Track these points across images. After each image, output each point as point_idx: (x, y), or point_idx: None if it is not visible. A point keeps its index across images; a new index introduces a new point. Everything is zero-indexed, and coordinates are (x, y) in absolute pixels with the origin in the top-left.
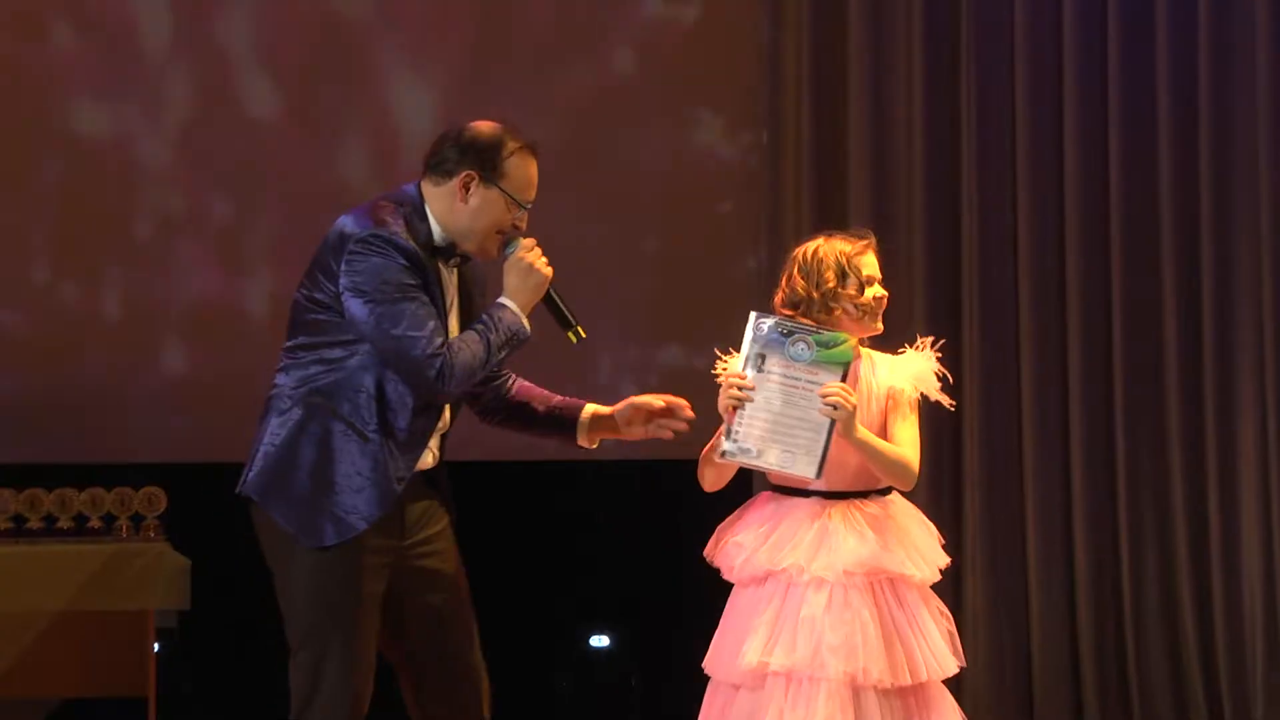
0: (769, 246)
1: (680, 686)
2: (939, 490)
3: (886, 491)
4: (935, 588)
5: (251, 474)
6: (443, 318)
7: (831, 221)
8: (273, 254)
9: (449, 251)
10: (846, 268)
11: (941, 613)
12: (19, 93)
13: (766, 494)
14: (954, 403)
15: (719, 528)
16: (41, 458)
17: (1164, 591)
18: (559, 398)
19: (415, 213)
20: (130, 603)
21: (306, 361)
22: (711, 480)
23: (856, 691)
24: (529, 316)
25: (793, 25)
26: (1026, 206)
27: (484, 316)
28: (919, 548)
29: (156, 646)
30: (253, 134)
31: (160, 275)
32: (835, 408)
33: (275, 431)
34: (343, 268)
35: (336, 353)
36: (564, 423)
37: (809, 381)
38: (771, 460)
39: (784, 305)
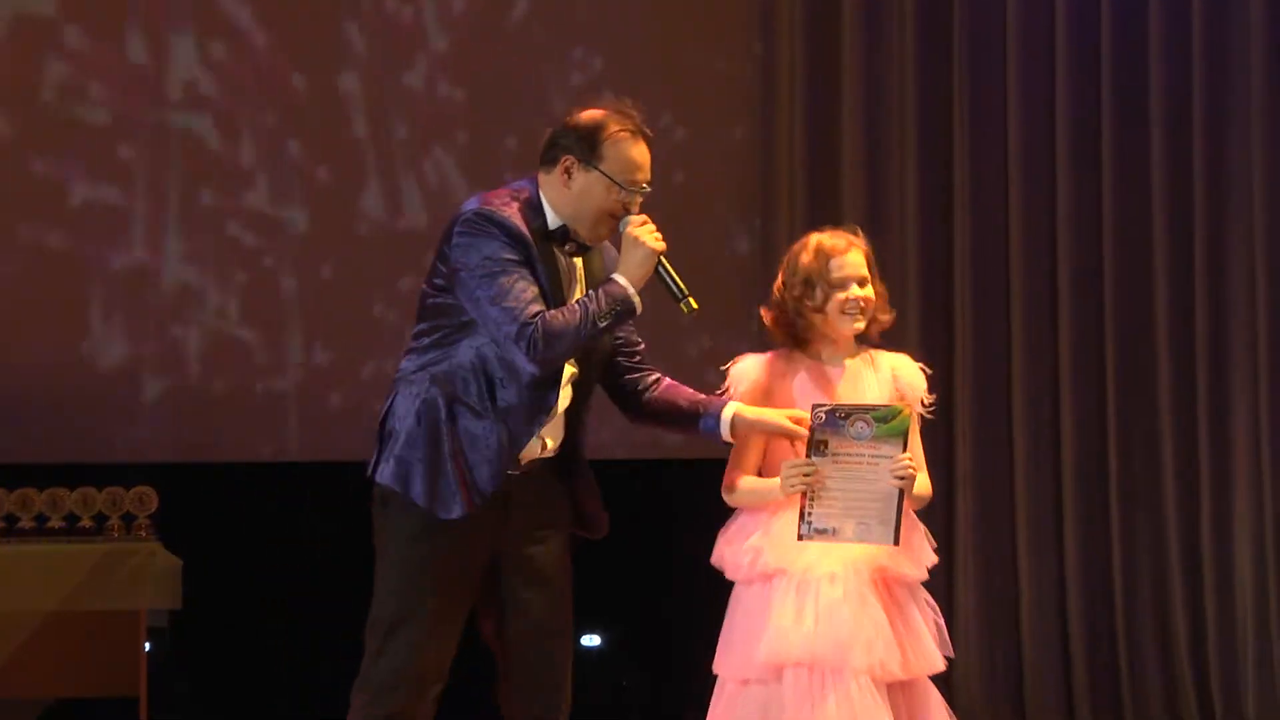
0: (764, 232)
1: (672, 686)
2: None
3: None
4: (927, 587)
5: (382, 463)
6: (554, 300)
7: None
8: (259, 255)
9: (563, 236)
10: (817, 275)
11: (929, 604)
12: None
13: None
14: (932, 414)
15: (721, 531)
16: (33, 457)
17: (1156, 592)
18: (703, 395)
19: (531, 200)
20: (122, 602)
21: (426, 346)
22: (747, 506)
23: (879, 684)
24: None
25: (785, 33)
26: (1019, 209)
27: (590, 290)
28: (912, 546)
29: (148, 646)
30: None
31: (152, 274)
32: (904, 478)
33: (401, 415)
34: (453, 248)
35: (453, 336)
36: (709, 429)
37: (873, 456)
38: (849, 534)
39: (770, 307)
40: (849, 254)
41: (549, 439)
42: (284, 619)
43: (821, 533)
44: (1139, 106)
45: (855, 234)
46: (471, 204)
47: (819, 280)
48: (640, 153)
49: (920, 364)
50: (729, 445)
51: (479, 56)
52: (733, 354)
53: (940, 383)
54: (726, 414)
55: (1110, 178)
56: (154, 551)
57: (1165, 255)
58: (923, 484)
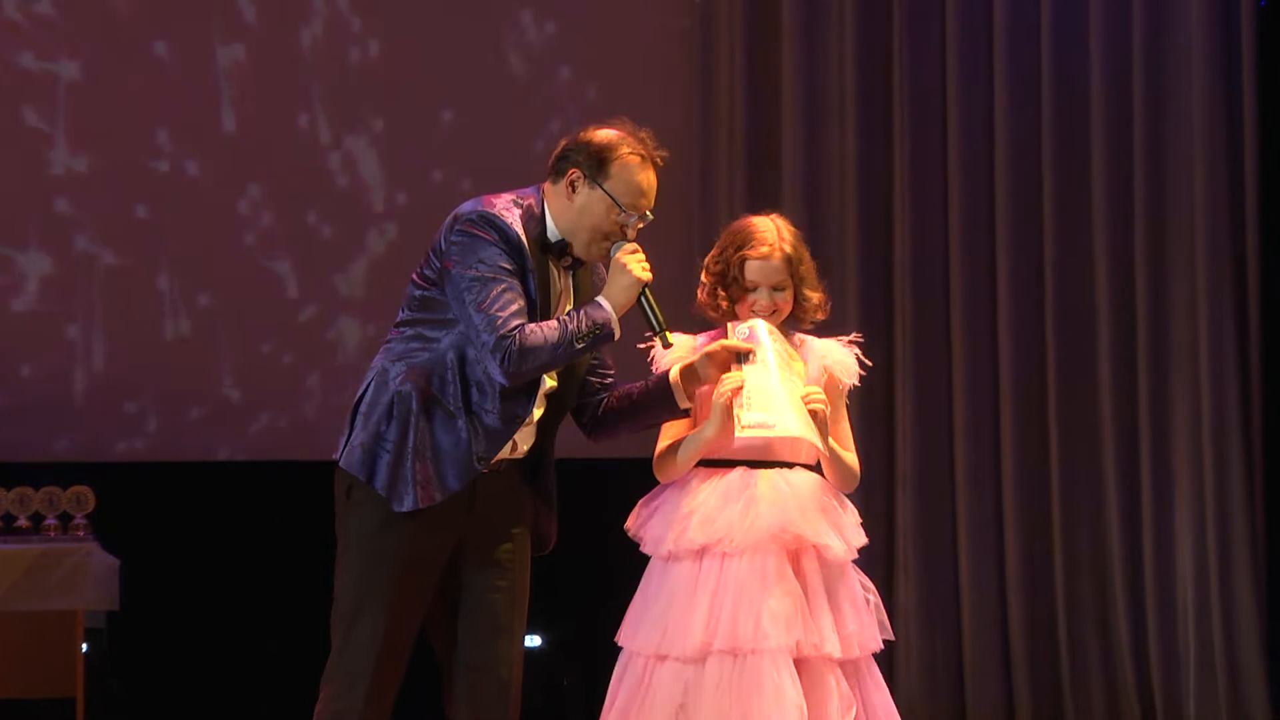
0: (701, 232)
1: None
2: (870, 490)
3: (812, 466)
4: (871, 567)
5: (349, 448)
6: (541, 314)
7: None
8: (200, 260)
9: (560, 249)
10: (732, 273)
11: (865, 586)
12: None
13: (691, 471)
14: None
15: (641, 501)
16: None
17: (1097, 591)
18: (641, 382)
19: (533, 208)
20: (58, 603)
21: (408, 337)
22: (681, 467)
23: (802, 662)
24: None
25: (725, 25)
26: (959, 205)
27: (572, 310)
28: (838, 523)
29: (85, 647)
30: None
31: (83, 272)
32: (815, 410)
33: (372, 403)
34: (449, 245)
35: (435, 331)
36: (662, 393)
37: (794, 375)
38: (788, 426)
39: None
40: (770, 258)
41: (521, 442)
42: (224, 621)
43: (760, 425)
44: (1079, 98)
45: (783, 234)
46: (474, 205)
47: (731, 280)
48: (647, 179)
49: (851, 342)
50: (683, 411)
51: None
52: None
53: (880, 379)
54: (673, 375)
55: (1050, 171)
56: (91, 551)
57: (1106, 252)
58: (851, 461)
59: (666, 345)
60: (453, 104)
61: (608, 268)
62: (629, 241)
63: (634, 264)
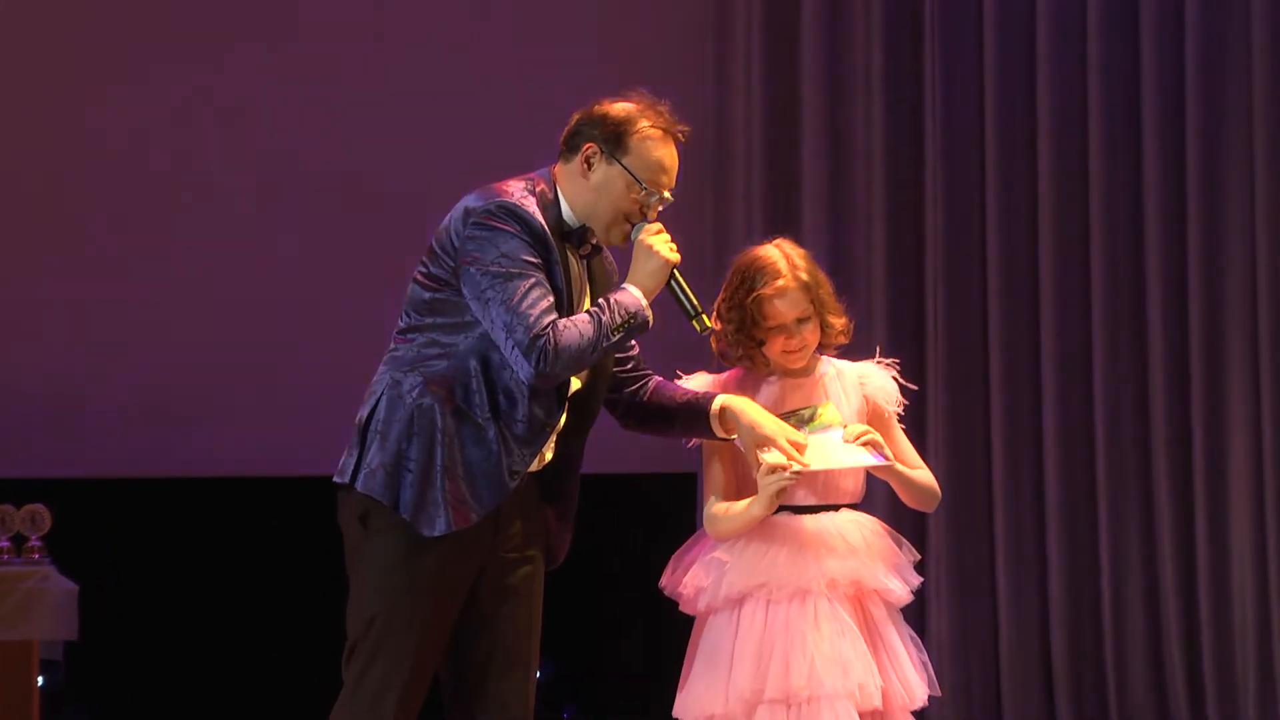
0: (715, 247)
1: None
2: (899, 513)
3: (854, 507)
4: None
5: (366, 471)
6: (568, 308)
7: (784, 221)
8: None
9: (580, 236)
10: (752, 318)
11: (912, 639)
12: None
13: None
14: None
15: (674, 556)
16: None
17: (1149, 619)
18: (690, 390)
19: (546, 193)
20: (11, 632)
21: (419, 344)
22: (733, 533)
23: (871, 714)
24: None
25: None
26: (996, 206)
27: (601, 299)
28: (895, 564)
29: (40, 680)
30: None
31: (40, 278)
32: (869, 441)
33: (388, 420)
34: (465, 240)
35: (451, 336)
36: (696, 417)
37: (818, 438)
38: (842, 458)
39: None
40: (786, 295)
41: (547, 452)
42: (190, 650)
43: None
44: (1129, 92)
45: (794, 261)
46: (487, 196)
47: (751, 325)
48: (669, 155)
49: (888, 364)
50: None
51: None
52: (689, 370)
53: (909, 396)
54: (715, 407)
55: (1097, 170)
56: (47, 576)
57: (1158, 252)
58: (924, 479)
59: (704, 330)
60: (462, 99)
61: (631, 250)
62: (651, 222)
63: (661, 245)
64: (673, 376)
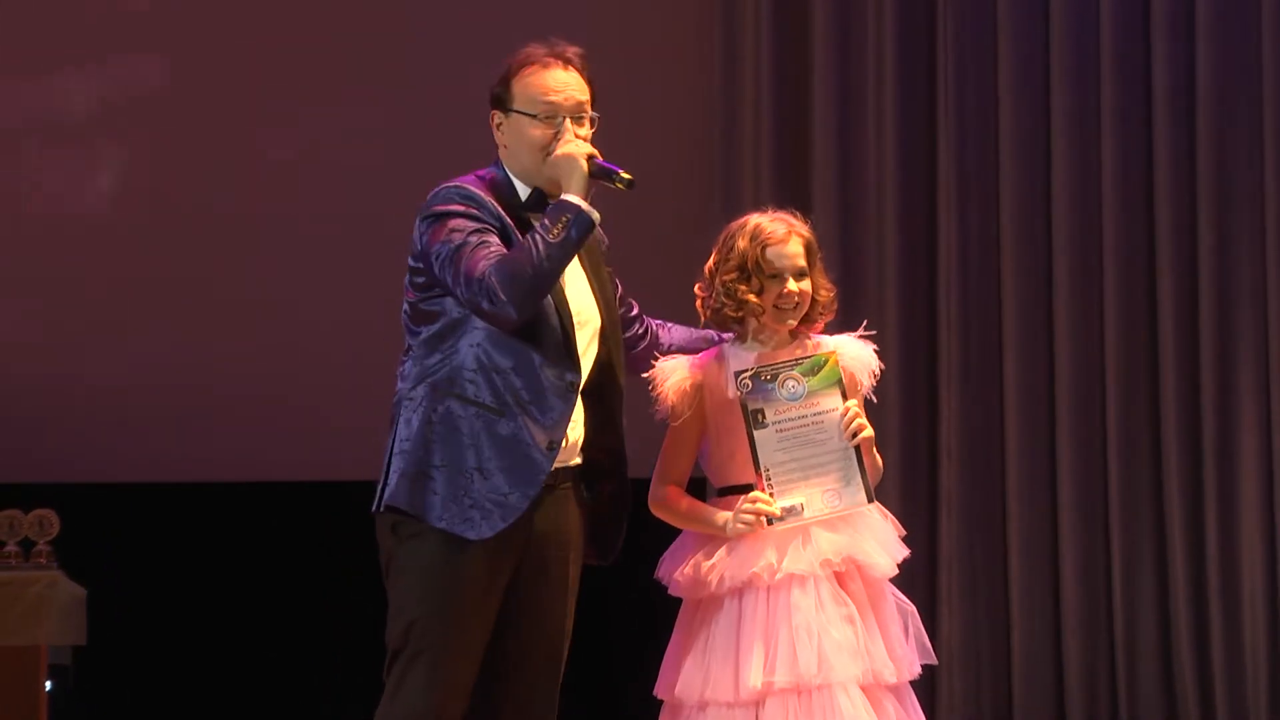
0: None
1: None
2: (910, 513)
3: None
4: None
5: (389, 485)
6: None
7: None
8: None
9: (539, 201)
10: (752, 263)
11: (902, 605)
12: None
13: (715, 500)
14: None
15: (670, 549)
16: None
17: (1160, 626)
18: (713, 335)
19: (495, 177)
20: (20, 637)
21: (420, 356)
22: (678, 524)
23: (868, 691)
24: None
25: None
26: (1011, 199)
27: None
28: (879, 538)
29: (49, 685)
30: None
31: (47, 284)
32: (857, 431)
33: (404, 436)
34: (421, 237)
35: (447, 338)
36: None
37: (815, 415)
38: (819, 507)
39: (701, 290)
40: (788, 243)
41: (570, 435)
42: (199, 655)
43: (791, 512)
44: (1140, 89)
45: (796, 219)
46: (430, 193)
47: (753, 269)
48: (551, 78)
49: (865, 336)
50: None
51: None
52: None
53: (922, 391)
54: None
55: (1110, 165)
56: (56, 581)
57: (1169, 252)
58: (878, 462)
59: (629, 184)
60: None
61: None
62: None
63: (569, 146)
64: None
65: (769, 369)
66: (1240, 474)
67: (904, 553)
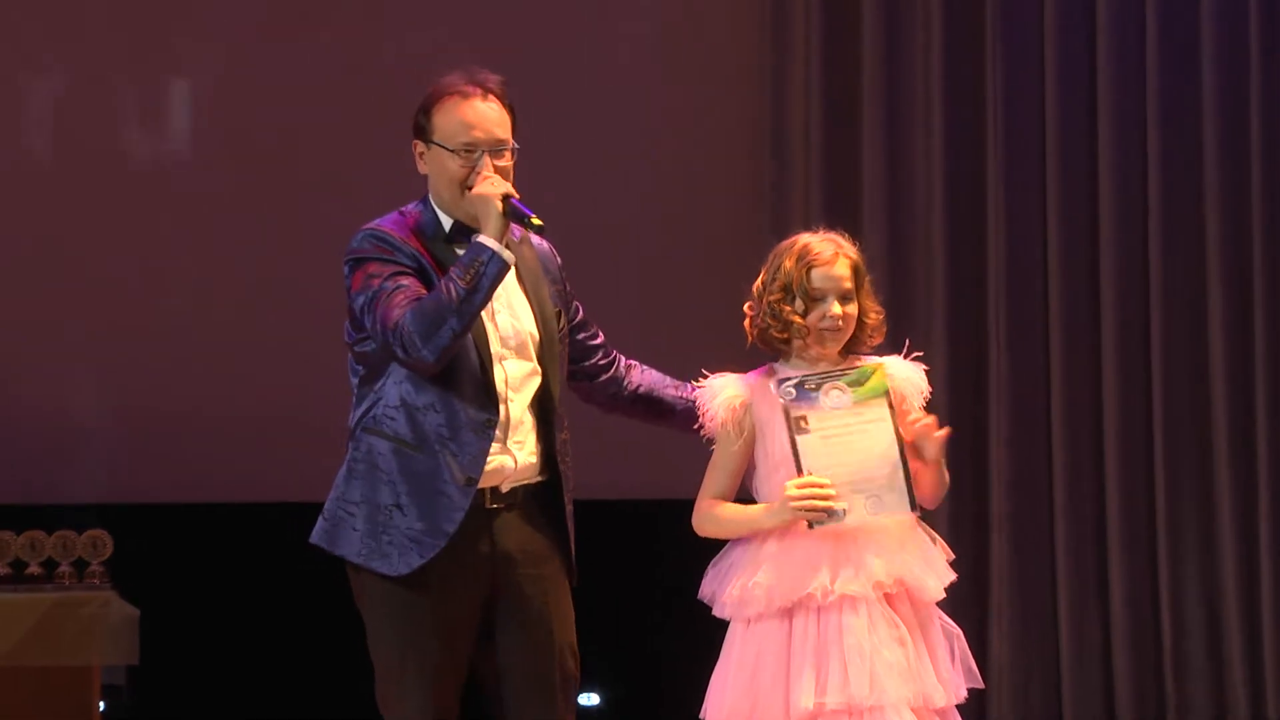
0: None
1: None
2: (958, 532)
3: None
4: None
5: (320, 521)
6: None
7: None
8: (213, 281)
9: (462, 231)
10: (797, 284)
11: (948, 628)
12: None
13: None
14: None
15: (711, 564)
16: None
17: (1210, 643)
18: (688, 388)
19: (419, 212)
20: (74, 657)
21: (359, 397)
22: (725, 534)
23: (917, 714)
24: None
25: (800, 46)
26: (1058, 215)
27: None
28: (929, 560)
29: (102, 705)
30: None
31: (99, 306)
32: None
33: (339, 475)
34: (346, 281)
35: (376, 380)
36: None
37: (860, 423)
38: (863, 513)
39: (750, 310)
40: (835, 264)
41: (517, 454)
42: (251, 676)
43: (834, 516)
44: (1190, 99)
45: (845, 240)
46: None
47: (798, 290)
48: (471, 112)
49: (914, 358)
50: None
51: None
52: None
53: (970, 408)
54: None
55: (1157, 178)
56: (109, 601)
57: (1217, 272)
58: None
59: (539, 228)
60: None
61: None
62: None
63: (485, 187)
64: (696, 373)
65: (813, 378)
66: None
67: (951, 577)
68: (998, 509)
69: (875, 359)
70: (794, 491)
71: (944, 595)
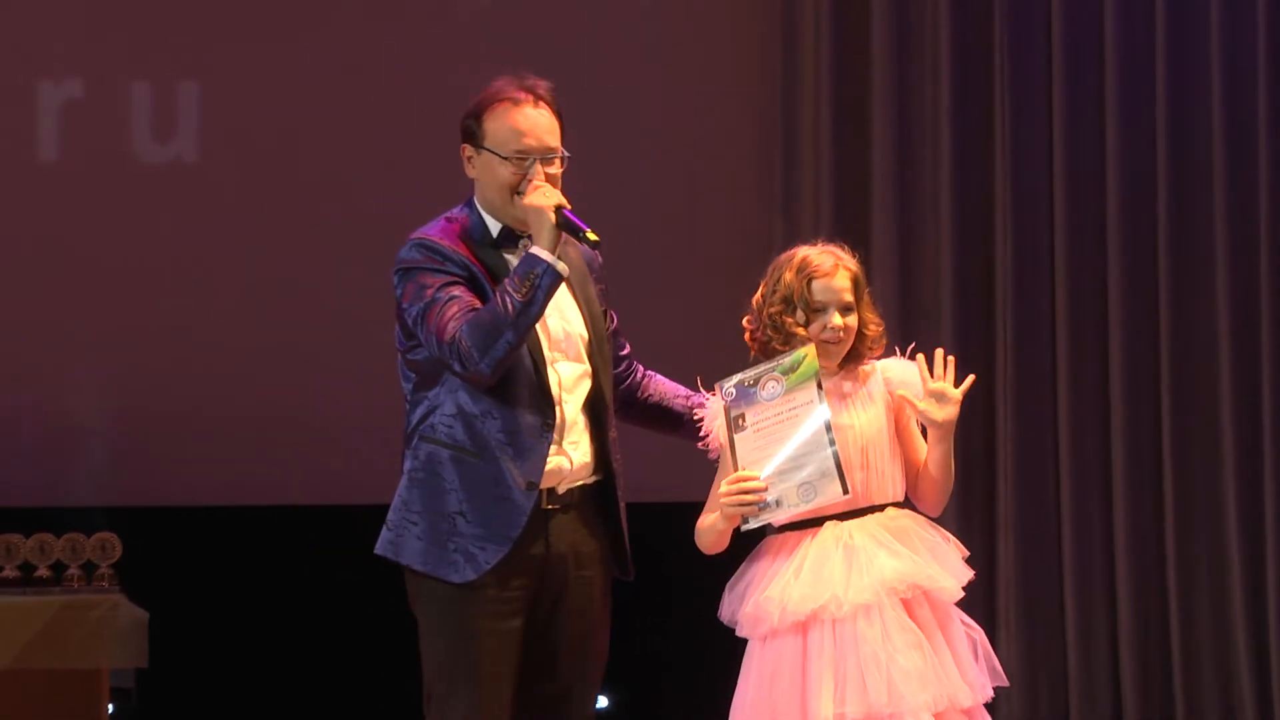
0: (784, 231)
1: None
2: (967, 538)
3: (898, 505)
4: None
5: (384, 532)
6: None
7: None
8: (228, 284)
9: (512, 236)
10: (798, 296)
11: (970, 631)
12: None
13: (771, 539)
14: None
15: (727, 586)
16: None
17: (1218, 645)
18: (698, 398)
19: (465, 215)
20: (82, 660)
21: (411, 408)
22: (711, 544)
23: (942, 717)
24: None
25: (809, 39)
26: (1064, 223)
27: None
28: (944, 560)
29: (111, 708)
30: None
31: (107, 307)
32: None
33: (400, 485)
34: (396, 291)
35: (431, 388)
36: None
37: (790, 410)
38: (795, 501)
39: (749, 322)
40: (835, 276)
41: (572, 454)
42: (261, 679)
43: (767, 508)
44: (1199, 109)
45: (845, 252)
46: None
47: (799, 301)
48: (523, 119)
49: (910, 355)
50: None
51: None
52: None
53: (978, 413)
54: None
55: (1165, 186)
56: (118, 604)
57: (1225, 279)
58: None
59: (595, 245)
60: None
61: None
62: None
63: (538, 198)
64: (701, 375)
65: (752, 374)
66: None
67: (969, 574)
68: (1005, 512)
69: (811, 344)
70: (724, 489)
71: (963, 594)
